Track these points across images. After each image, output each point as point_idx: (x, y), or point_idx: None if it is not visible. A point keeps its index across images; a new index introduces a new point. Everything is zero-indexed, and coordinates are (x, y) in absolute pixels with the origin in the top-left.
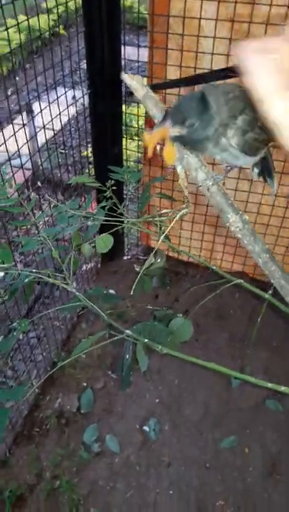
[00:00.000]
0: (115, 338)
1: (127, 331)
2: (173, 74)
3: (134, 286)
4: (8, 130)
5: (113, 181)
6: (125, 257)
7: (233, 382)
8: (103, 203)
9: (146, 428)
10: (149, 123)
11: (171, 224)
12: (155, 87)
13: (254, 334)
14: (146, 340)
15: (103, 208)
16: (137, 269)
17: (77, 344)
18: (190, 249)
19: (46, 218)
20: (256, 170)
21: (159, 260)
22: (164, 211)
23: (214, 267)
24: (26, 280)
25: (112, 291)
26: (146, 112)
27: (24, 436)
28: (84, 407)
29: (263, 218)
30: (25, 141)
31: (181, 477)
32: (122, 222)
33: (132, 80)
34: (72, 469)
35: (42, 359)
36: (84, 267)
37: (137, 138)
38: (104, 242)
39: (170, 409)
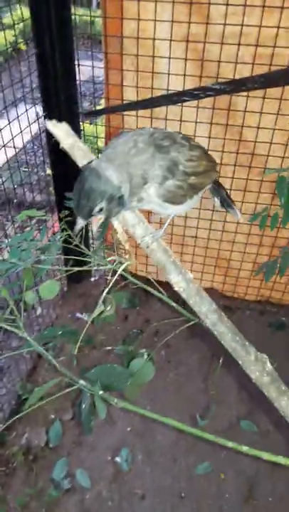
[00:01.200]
0: (71, 388)
1: (81, 382)
2: (130, 95)
3: (93, 319)
4: None
5: (67, 212)
6: (92, 279)
7: (199, 422)
8: (59, 234)
9: (118, 459)
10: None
11: (114, 278)
12: (113, 110)
13: (219, 365)
14: (101, 392)
15: (57, 240)
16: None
17: (43, 374)
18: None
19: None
20: (217, 200)
21: (109, 308)
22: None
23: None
24: None
25: (79, 315)
26: (106, 132)
27: None
28: (52, 440)
29: (229, 236)
30: None
31: (156, 509)
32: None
33: (56, 128)
34: (41, 510)
35: (6, 392)
36: None
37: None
38: (49, 289)
39: (143, 437)
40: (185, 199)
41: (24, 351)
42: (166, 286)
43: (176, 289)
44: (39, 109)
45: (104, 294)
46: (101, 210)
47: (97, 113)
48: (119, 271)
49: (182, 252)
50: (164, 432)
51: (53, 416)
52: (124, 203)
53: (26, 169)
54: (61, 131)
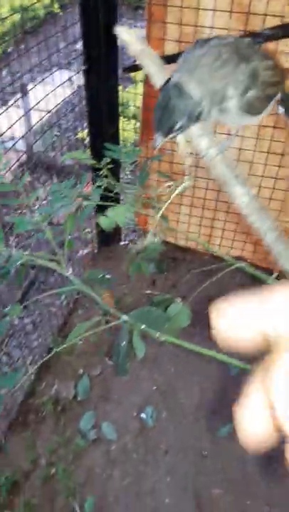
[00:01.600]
0: (111, 324)
1: (124, 317)
2: (171, 49)
3: (131, 268)
4: (2, 112)
5: (109, 159)
6: (122, 243)
7: (232, 371)
8: (99, 182)
9: (143, 415)
10: (147, 103)
11: (172, 197)
12: None
13: None
14: (142, 326)
15: (99, 187)
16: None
17: (68, 342)
18: (188, 234)
19: (42, 202)
20: (281, 109)
21: (156, 240)
22: (166, 184)
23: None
24: (18, 263)
25: (108, 277)
26: (144, 93)
27: (19, 423)
28: (80, 394)
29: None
30: (19, 123)
31: (179, 465)
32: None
33: (127, 34)
34: (69, 457)
35: (37, 345)
36: (80, 252)
37: (134, 120)
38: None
39: (167, 397)
40: (262, 109)
41: (62, 293)
42: (193, 253)
43: (237, 202)
44: (72, 73)
45: (153, 228)
46: (181, 127)
47: (135, 68)
48: (175, 193)
49: (214, 218)
50: (187, 394)
51: (81, 371)
52: (203, 117)
53: (58, 133)
54: (131, 37)
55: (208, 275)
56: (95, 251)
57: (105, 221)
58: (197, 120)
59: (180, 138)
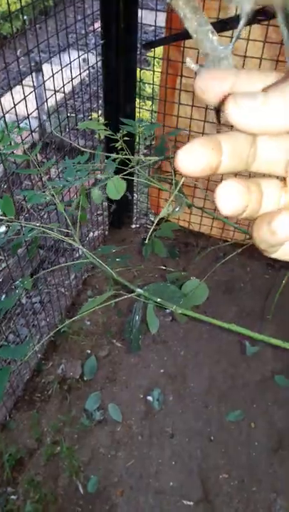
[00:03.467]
0: (124, 296)
1: (139, 290)
2: None
3: (145, 248)
4: (16, 91)
5: (125, 132)
6: (133, 226)
7: (248, 350)
8: (114, 155)
9: (149, 398)
10: (166, 80)
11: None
12: (176, 38)
13: (273, 306)
14: (158, 299)
15: (114, 160)
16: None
17: (77, 316)
18: (202, 219)
19: (55, 175)
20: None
21: (178, 209)
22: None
23: None
24: (30, 235)
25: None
26: (162, 72)
27: (25, 400)
28: (87, 374)
29: None
30: (33, 103)
31: (185, 448)
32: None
33: None
34: (73, 436)
35: (45, 325)
36: (91, 234)
37: (149, 102)
38: (116, 187)
39: (175, 381)
40: None
41: (75, 269)
42: (206, 238)
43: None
44: (87, 55)
45: (174, 192)
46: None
47: (157, 43)
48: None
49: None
50: (196, 379)
51: (88, 351)
52: None
53: (73, 114)
54: None
55: (220, 261)
56: (106, 233)
57: (110, 190)
58: None
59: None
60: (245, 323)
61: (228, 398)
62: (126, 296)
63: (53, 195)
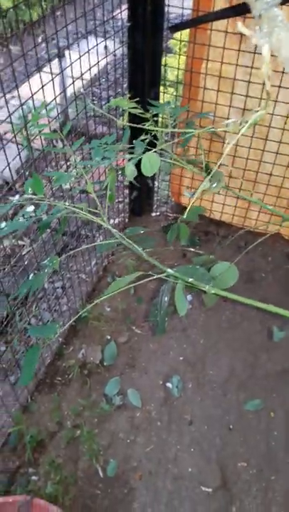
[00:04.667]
0: (154, 277)
1: (168, 270)
2: (221, 6)
3: (169, 232)
4: (37, 79)
5: (154, 112)
6: (154, 214)
7: (275, 336)
8: (142, 136)
9: (169, 384)
10: (191, 65)
11: (243, 130)
12: (203, 20)
13: None
14: (190, 279)
15: (143, 140)
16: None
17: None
18: (223, 207)
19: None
20: None
21: (215, 185)
22: (229, 121)
23: None
24: (59, 214)
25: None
26: (187, 56)
27: (46, 384)
28: (107, 359)
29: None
30: (54, 90)
31: (203, 436)
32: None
33: None
34: (93, 420)
35: (66, 309)
36: (111, 221)
37: (172, 89)
38: (151, 163)
39: (194, 368)
40: None
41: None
42: (227, 227)
43: None
44: (108, 43)
45: (211, 174)
46: None
47: (184, 26)
48: (248, 124)
49: (253, 191)
50: (215, 367)
51: (108, 337)
52: None
53: (94, 102)
54: None
55: (240, 252)
56: (126, 220)
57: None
58: None
59: (266, 51)
60: (265, 313)
61: (248, 387)
62: (155, 277)
63: (81, 175)
